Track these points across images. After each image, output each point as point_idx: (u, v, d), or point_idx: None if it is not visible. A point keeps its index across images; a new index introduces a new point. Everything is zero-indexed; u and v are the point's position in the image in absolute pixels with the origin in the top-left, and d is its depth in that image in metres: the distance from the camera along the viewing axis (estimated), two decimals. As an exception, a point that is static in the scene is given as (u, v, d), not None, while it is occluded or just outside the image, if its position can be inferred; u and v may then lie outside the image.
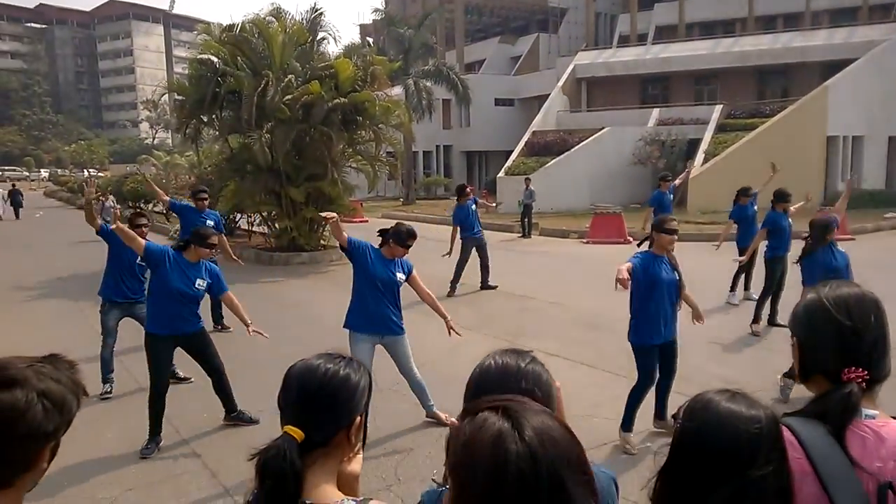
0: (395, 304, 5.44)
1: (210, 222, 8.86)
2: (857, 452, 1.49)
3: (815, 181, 24.57)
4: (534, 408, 1.13)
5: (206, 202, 9.55)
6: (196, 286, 5.31)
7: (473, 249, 11.43)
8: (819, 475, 1.47)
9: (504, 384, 1.52)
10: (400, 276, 5.41)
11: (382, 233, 5.47)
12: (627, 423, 5.14)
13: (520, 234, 19.60)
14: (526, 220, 19.57)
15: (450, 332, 5.47)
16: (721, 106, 28.45)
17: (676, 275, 5.06)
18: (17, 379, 1.21)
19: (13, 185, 34.34)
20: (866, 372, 1.55)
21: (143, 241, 5.34)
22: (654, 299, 4.97)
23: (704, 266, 12.84)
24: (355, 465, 1.62)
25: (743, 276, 10.07)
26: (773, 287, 8.48)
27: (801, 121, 24.52)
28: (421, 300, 5.61)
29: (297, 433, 1.46)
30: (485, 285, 11.47)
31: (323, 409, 1.51)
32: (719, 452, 1.33)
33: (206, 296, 5.77)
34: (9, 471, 1.21)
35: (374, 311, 5.32)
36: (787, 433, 1.50)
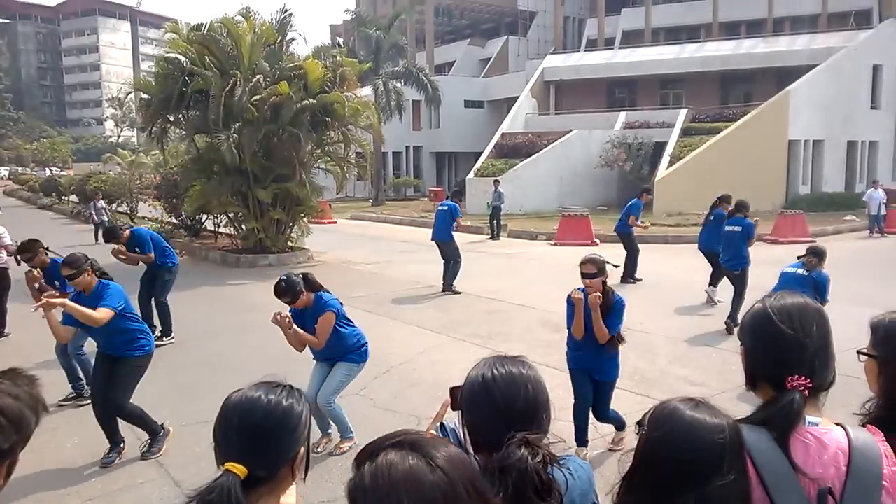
0: (343, 347, 5.18)
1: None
2: (799, 459, 1.54)
3: (777, 184, 25.16)
4: (428, 438, 1.16)
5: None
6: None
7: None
8: (763, 481, 1.52)
9: (514, 392, 1.56)
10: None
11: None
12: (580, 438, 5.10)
13: (488, 236, 19.71)
14: (494, 221, 19.69)
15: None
16: (686, 110, 28.95)
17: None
18: None
19: None
20: (809, 380, 1.59)
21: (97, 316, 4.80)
22: (586, 337, 4.93)
23: (670, 268, 13.09)
24: (290, 498, 1.57)
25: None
26: (743, 288, 8.70)
27: (764, 125, 25.06)
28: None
29: (240, 470, 1.39)
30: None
31: (267, 443, 1.45)
32: (684, 461, 1.38)
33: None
34: None
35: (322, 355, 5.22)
36: None
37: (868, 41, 27.79)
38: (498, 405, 1.55)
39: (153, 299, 8.73)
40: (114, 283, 5.13)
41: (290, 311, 4.97)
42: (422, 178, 38.30)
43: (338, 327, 5.10)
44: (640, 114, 30.95)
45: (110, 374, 5.03)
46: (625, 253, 11.89)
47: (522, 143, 28.69)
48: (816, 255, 6.56)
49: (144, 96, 15.89)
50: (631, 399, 6.01)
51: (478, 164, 28.25)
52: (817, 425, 1.59)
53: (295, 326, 4.80)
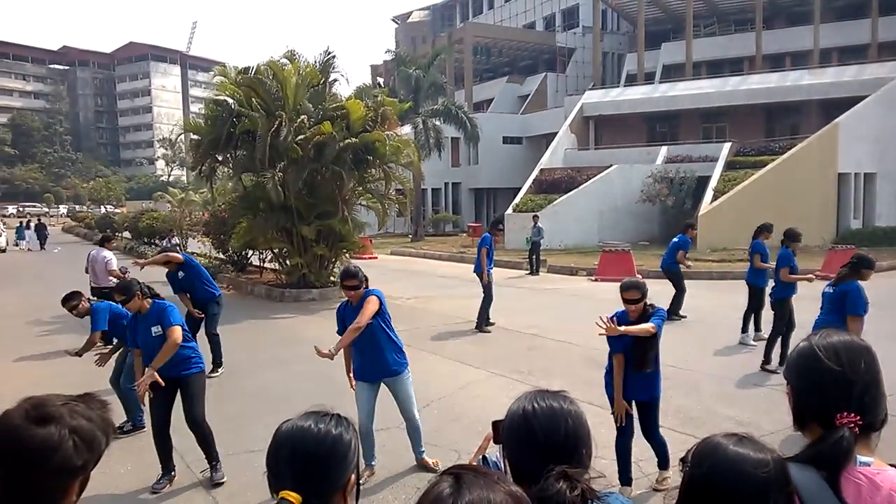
0: (384, 346, 5.36)
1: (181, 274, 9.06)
2: (851, 499, 1.50)
3: (827, 219, 24.57)
4: (488, 480, 1.17)
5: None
6: (153, 334, 5.25)
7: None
8: None
9: (555, 426, 1.57)
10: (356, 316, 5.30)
11: None
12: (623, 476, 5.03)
13: (527, 272, 19.67)
14: (534, 256, 19.67)
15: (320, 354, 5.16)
16: (730, 143, 28.63)
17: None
18: (52, 416, 1.31)
19: (39, 220, 38.92)
20: (858, 417, 1.56)
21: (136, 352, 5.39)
22: (627, 362, 4.91)
23: (715, 305, 12.86)
24: None
25: (752, 316, 10.01)
26: (783, 328, 8.47)
27: (812, 158, 24.58)
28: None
29: (295, 498, 1.44)
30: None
31: (320, 472, 1.50)
32: (728, 496, 1.37)
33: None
34: (41, 502, 1.30)
35: (367, 359, 5.35)
36: None
37: (920, 71, 27.18)
38: (537, 438, 1.56)
39: (206, 332, 8.99)
40: (165, 301, 5.47)
41: (342, 307, 5.43)
42: (460, 214, 38.56)
43: (388, 331, 5.39)
44: (681, 148, 30.71)
45: (184, 395, 5.31)
46: (672, 290, 11.70)
47: (562, 178, 28.71)
48: (848, 265, 6.19)
49: (195, 137, 16.47)
50: (675, 438, 5.89)
51: (516, 200, 28.32)
52: (869, 465, 1.54)
53: (332, 349, 5.07)
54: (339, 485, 1.52)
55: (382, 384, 5.48)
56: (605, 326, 4.65)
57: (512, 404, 1.69)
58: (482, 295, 11.43)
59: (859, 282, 6.15)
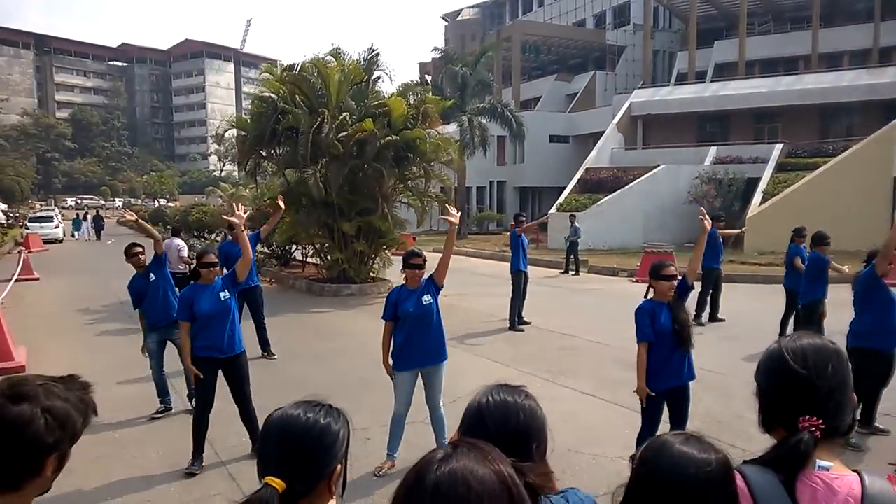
0: (433, 332, 5.46)
1: None
2: (806, 503, 1.51)
3: (881, 223, 23.69)
4: (480, 454, 1.15)
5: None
6: (221, 298, 5.56)
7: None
8: None
9: (505, 418, 1.61)
10: (427, 298, 5.41)
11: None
12: None
13: (561, 271, 19.65)
14: (572, 256, 19.59)
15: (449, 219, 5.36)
16: (781, 145, 27.90)
17: (672, 321, 4.84)
18: (27, 395, 1.41)
19: (96, 212, 40.79)
20: (821, 421, 1.55)
21: (185, 325, 5.59)
22: (660, 350, 4.87)
23: (756, 309, 12.58)
24: None
25: (791, 320, 9.81)
26: (814, 328, 8.28)
27: (867, 160, 23.76)
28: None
29: (278, 484, 1.46)
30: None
31: (305, 459, 1.52)
32: (671, 494, 1.40)
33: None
34: (14, 474, 1.39)
35: (415, 346, 5.39)
36: (739, 480, 1.53)
37: (984, 71, 26.04)
38: (488, 430, 1.57)
39: (255, 320, 9.51)
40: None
41: (396, 291, 5.53)
42: (505, 213, 38.47)
43: (440, 318, 5.52)
44: (731, 148, 30.04)
45: (234, 374, 5.64)
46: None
47: (607, 177, 28.38)
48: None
49: (241, 133, 16.86)
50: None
51: (560, 199, 28.11)
52: (828, 470, 1.53)
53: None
54: (324, 474, 1.55)
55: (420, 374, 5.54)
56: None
57: (473, 397, 1.73)
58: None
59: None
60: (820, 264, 8.42)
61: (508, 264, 11.89)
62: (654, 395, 4.93)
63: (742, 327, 11.22)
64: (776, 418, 1.65)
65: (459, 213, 5.34)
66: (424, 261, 5.48)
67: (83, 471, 5.45)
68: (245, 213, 5.71)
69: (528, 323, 11.46)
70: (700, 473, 1.39)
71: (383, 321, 5.51)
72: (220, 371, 5.62)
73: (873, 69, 30.63)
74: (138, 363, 8.78)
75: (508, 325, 11.31)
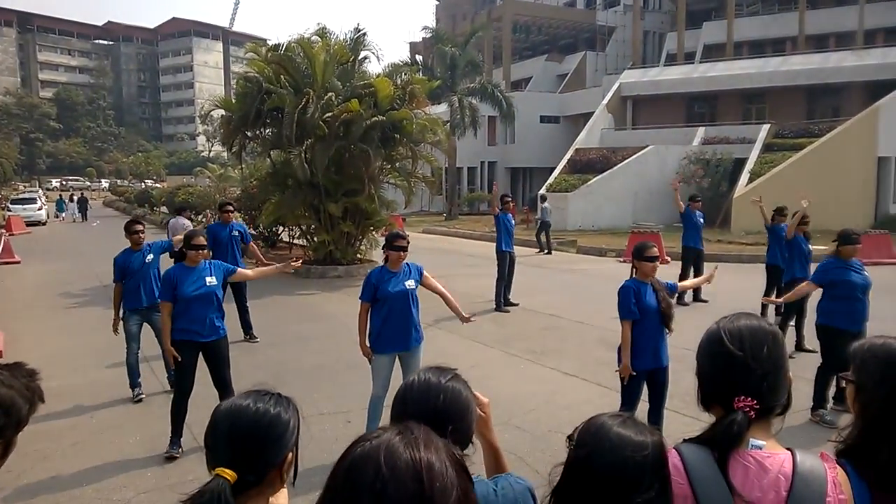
0: (414, 316, 5.42)
1: (235, 232, 9.40)
2: (738, 481, 1.54)
3: (865, 203, 23.91)
4: (410, 439, 1.11)
5: (231, 214, 9.93)
6: (207, 283, 5.51)
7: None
8: (697, 500, 1.53)
9: (425, 399, 1.61)
10: (410, 283, 5.37)
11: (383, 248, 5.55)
12: None
13: (537, 251, 19.88)
14: (541, 235, 19.91)
15: (463, 321, 5.53)
16: (768, 125, 27.98)
17: (658, 300, 4.93)
18: None
19: (81, 194, 42.05)
20: (755, 402, 1.59)
21: (166, 306, 5.54)
22: (643, 328, 4.92)
23: (740, 288, 12.64)
24: (282, 499, 1.64)
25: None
26: (794, 311, 8.36)
27: (851, 141, 23.95)
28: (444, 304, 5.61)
29: (229, 474, 1.46)
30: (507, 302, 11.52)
31: (255, 449, 1.51)
32: (606, 477, 1.41)
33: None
34: None
35: (393, 329, 5.34)
36: (675, 458, 1.57)
37: (969, 53, 26.13)
38: (407, 410, 1.59)
39: (238, 303, 9.46)
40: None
41: (377, 272, 5.45)
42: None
43: (417, 305, 5.47)
44: (719, 129, 30.12)
45: (215, 358, 5.62)
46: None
47: (596, 158, 28.41)
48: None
49: (226, 114, 16.70)
50: (679, 420, 5.86)
51: (550, 180, 28.13)
52: (761, 448, 1.58)
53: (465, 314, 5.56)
54: (275, 463, 1.55)
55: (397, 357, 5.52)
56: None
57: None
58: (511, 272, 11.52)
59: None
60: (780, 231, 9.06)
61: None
62: (635, 374, 4.97)
63: (726, 306, 11.25)
64: (714, 397, 1.69)
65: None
66: (408, 243, 5.45)
67: (60, 457, 5.45)
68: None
69: (516, 304, 11.48)
70: (637, 457, 1.40)
71: (360, 301, 5.44)
72: (199, 355, 5.59)
73: (858, 51, 30.70)
74: (117, 347, 8.75)
75: (494, 306, 11.33)
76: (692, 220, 11.92)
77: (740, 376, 1.63)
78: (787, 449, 1.61)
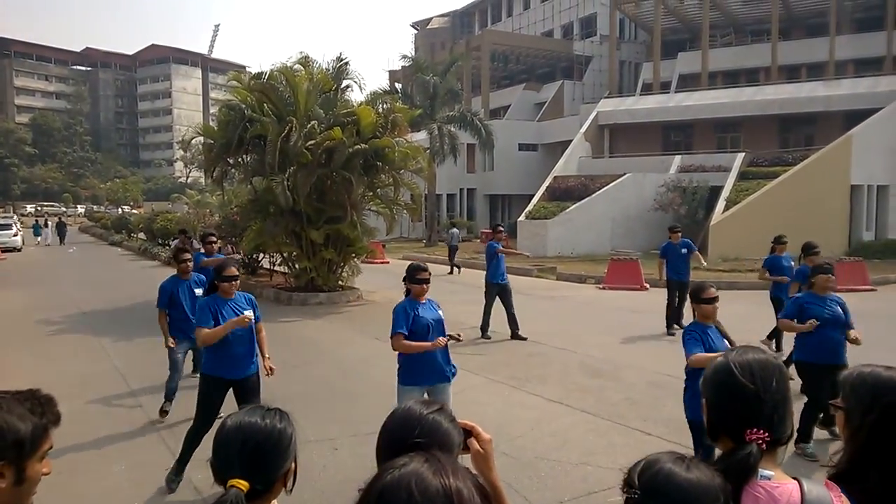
0: (445, 348, 5.22)
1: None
2: None
3: (839, 231, 24.42)
4: (438, 466, 1.15)
5: (214, 245, 9.89)
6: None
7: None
8: None
9: (400, 429, 1.60)
10: (441, 313, 5.24)
11: (405, 280, 5.29)
12: None
13: (448, 272, 21.66)
14: (452, 257, 22.41)
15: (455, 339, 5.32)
16: (743, 154, 28.57)
17: (727, 342, 4.71)
18: None
19: (59, 219, 42.64)
20: (767, 433, 1.64)
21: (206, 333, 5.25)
22: None
23: (719, 315, 12.77)
24: None
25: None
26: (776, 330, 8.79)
27: (824, 169, 24.49)
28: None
29: (243, 485, 1.58)
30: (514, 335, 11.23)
31: (266, 461, 1.65)
32: None
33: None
34: None
35: (424, 362, 5.11)
36: None
37: (935, 84, 26.99)
38: (385, 440, 1.60)
39: None
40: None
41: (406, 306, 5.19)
42: (475, 220, 38.65)
43: None
44: (695, 157, 30.65)
45: (247, 393, 5.37)
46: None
47: (575, 185, 28.74)
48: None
49: (208, 141, 16.71)
50: (664, 446, 5.95)
51: (529, 207, 28.38)
52: (770, 479, 1.62)
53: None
54: (282, 473, 1.69)
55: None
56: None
57: None
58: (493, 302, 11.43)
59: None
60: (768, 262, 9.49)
61: (478, 272, 11.94)
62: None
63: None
64: (724, 429, 1.73)
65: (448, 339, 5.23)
66: (430, 274, 5.29)
67: (42, 486, 5.35)
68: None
69: (524, 339, 11.07)
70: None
71: (397, 334, 5.07)
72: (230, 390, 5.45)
73: (829, 81, 31.57)
74: (98, 375, 8.67)
75: (481, 333, 11.29)
76: (673, 253, 11.87)
77: (752, 409, 1.67)
78: (794, 478, 1.65)
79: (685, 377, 4.75)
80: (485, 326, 11.38)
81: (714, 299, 4.71)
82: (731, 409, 1.70)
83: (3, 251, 30.17)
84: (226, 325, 5.16)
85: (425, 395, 5.05)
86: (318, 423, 6.75)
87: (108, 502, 5.13)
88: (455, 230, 23.36)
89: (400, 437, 1.58)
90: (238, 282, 5.46)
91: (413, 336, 5.06)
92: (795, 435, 1.77)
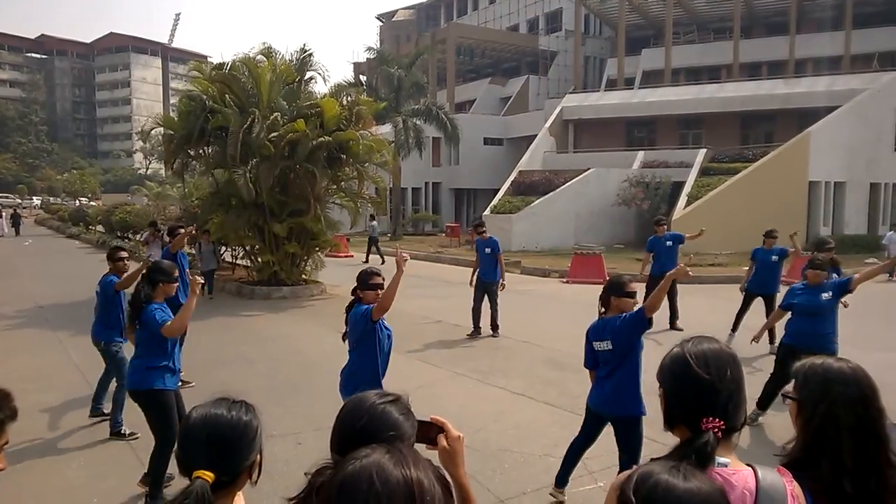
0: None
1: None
2: None
3: (798, 226, 24.84)
4: (400, 457, 1.16)
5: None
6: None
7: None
8: None
9: (352, 418, 1.59)
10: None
11: (354, 291, 5.02)
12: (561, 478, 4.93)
13: (364, 261, 21.55)
14: (374, 247, 22.62)
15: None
16: (705, 150, 29.02)
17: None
18: None
19: (14, 211, 41.79)
20: (722, 422, 1.68)
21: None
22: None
23: (683, 309, 12.96)
24: (240, 501, 1.77)
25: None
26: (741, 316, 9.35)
27: (784, 166, 25.01)
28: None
29: (208, 476, 1.59)
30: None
31: (231, 452, 1.67)
32: None
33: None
34: None
35: (376, 374, 4.92)
36: None
37: (892, 84, 27.68)
38: (336, 428, 1.62)
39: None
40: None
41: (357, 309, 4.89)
42: (440, 214, 38.63)
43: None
44: (658, 153, 31.03)
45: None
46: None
47: (539, 180, 28.87)
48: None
49: (168, 132, 16.37)
50: (648, 447, 5.98)
51: (494, 202, 28.45)
52: (726, 466, 1.66)
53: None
54: (247, 465, 1.71)
55: None
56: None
57: None
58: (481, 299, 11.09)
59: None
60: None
61: (443, 266, 11.80)
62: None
63: (692, 328, 11.54)
64: (680, 418, 1.76)
65: (406, 259, 4.91)
66: (383, 279, 4.99)
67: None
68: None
69: (495, 336, 10.94)
70: None
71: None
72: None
73: (789, 79, 32.23)
74: (57, 370, 8.45)
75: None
76: (659, 247, 11.51)
77: (707, 398, 1.71)
78: (748, 465, 1.69)
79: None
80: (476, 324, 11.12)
81: (635, 293, 4.59)
82: (688, 399, 1.74)
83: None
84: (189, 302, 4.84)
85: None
86: (281, 417, 6.67)
87: (66, 499, 5.00)
88: (374, 223, 23.55)
89: (350, 425, 1.59)
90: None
91: (374, 340, 4.85)
92: (746, 422, 1.78)
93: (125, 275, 6.63)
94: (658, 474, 1.35)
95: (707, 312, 12.39)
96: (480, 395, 7.71)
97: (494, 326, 10.94)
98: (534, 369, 8.78)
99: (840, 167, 26.35)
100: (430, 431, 1.74)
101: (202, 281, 4.99)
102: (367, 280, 4.89)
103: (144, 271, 5.22)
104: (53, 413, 6.96)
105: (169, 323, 4.82)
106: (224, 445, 1.65)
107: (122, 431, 6.24)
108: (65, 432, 6.48)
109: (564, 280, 18.06)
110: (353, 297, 4.98)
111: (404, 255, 4.88)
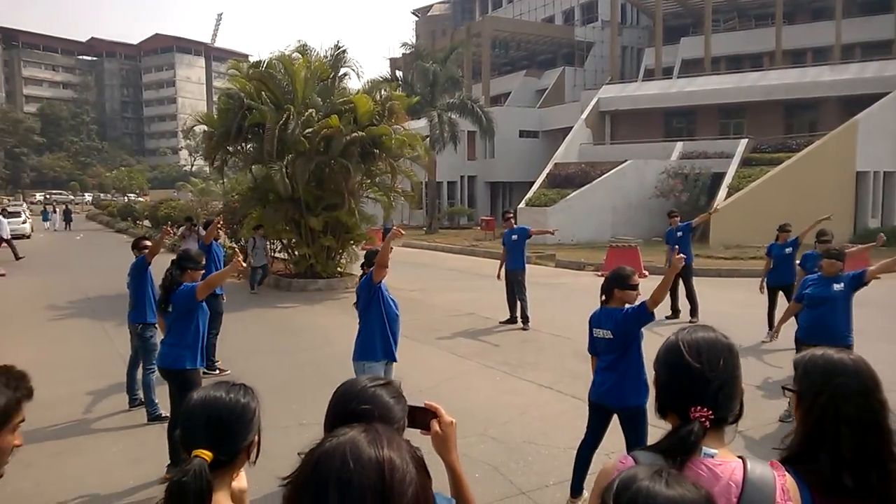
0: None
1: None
2: None
3: (844, 217, 24.25)
4: (376, 437, 1.20)
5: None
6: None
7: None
8: None
9: (343, 401, 1.67)
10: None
11: (362, 266, 5.74)
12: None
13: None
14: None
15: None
16: (746, 140, 28.39)
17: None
18: None
19: (66, 206, 44.50)
20: (711, 412, 1.65)
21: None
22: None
23: (721, 303, 12.80)
24: (241, 482, 1.87)
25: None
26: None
27: (829, 156, 24.31)
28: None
29: (206, 454, 1.66)
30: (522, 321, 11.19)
31: (230, 433, 1.74)
32: None
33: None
34: None
35: (387, 338, 5.69)
36: (631, 464, 1.61)
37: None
38: (330, 411, 1.67)
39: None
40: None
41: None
42: (475, 208, 38.65)
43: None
44: (697, 144, 30.47)
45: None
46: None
47: (575, 172, 28.65)
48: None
49: (208, 129, 16.77)
50: (652, 434, 5.97)
51: (529, 194, 28.34)
52: (713, 457, 1.64)
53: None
54: (245, 444, 1.78)
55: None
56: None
57: None
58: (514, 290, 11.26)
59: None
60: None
61: (477, 259, 11.89)
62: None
63: (709, 322, 11.40)
64: (671, 406, 1.76)
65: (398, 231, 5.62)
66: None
67: (41, 465, 5.49)
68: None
69: (513, 322, 11.24)
70: None
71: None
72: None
73: (835, 65, 31.26)
74: (106, 359, 8.81)
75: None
76: (674, 238, 11.74)
77: (697, 387, 1.69)
78: (739, 457, 1.68)
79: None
80: (524, 315, 11.23)
81: (638, 285, 4.60)
82: (677, 387, 1.73)
83: (13, 238, 30.28)
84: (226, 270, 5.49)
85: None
86: (313, 407, 6.79)
87: (105, 481, 5.24)
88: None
89: (342, 408, 1.65)
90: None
91: (380, 310, 5.65)
92: (742, 414, 1.80)
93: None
94: (640, 480, 1.30)
95: (741, 306, 12.19)
96: (508, 387, 7.78)
97: (525, 318, 11.04)
98: (563, 362, 8.80)
99: (889, 156, 25.51)
100: (424, 417, 1.79)
101: (243, 261, 5.36)
102: (372, 258, 5.70)
103: (174, 258, 5.65)
104: (96, 398, 7.30)
105: (200, 284, 5.36)
106: (222, 426, 1.72)
107: (160, 414, 6.52)
108: (106, 415, 6.80)
109: (599, 273, 17.94)
110: (361, 273, 5.77)
111: (401, 231, 5.64)
